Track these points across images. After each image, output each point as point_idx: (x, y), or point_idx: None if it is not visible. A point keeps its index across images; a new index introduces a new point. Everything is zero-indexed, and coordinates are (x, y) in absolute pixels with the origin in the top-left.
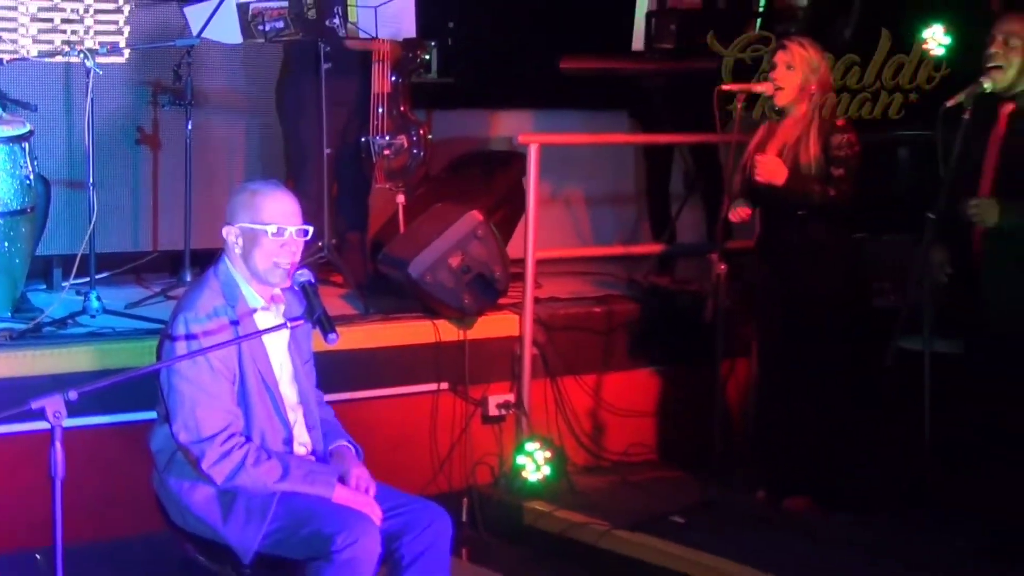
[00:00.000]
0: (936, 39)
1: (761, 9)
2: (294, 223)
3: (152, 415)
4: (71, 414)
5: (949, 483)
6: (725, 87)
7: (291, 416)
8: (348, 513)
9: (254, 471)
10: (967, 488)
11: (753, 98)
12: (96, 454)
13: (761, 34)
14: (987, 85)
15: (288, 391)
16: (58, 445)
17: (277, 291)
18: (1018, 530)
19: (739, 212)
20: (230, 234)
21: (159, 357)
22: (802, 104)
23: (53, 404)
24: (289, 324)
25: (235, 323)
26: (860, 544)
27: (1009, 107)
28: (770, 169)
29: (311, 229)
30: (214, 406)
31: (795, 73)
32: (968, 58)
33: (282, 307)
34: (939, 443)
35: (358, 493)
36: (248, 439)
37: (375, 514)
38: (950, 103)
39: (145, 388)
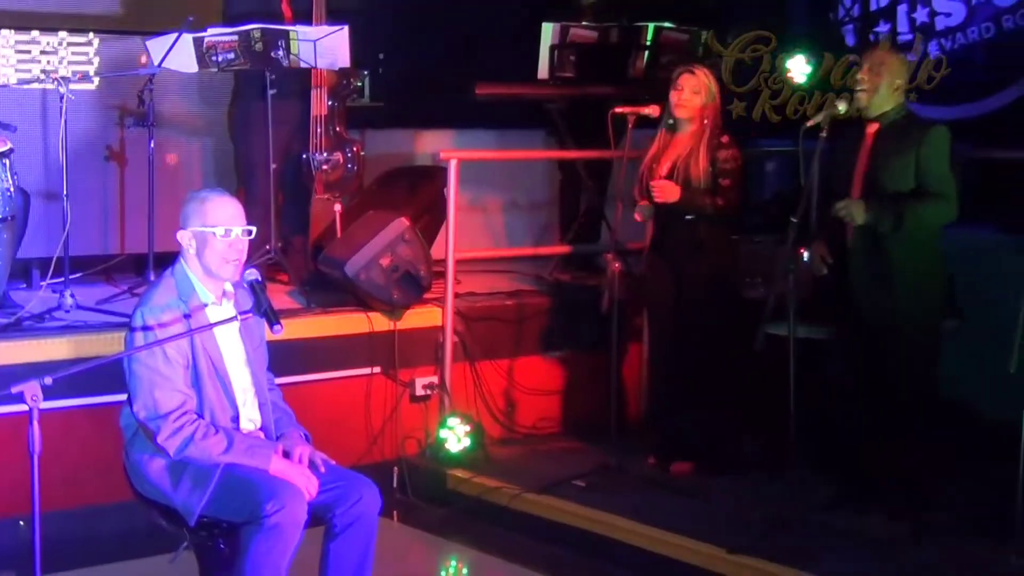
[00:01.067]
0: (799, 68)
1: (648, 43)
2: (239, 224)
3: (119, 397)
4: (47, 397)
5: (810, 447)
6: (618, 109)
7: (240, 396)
8: (279, 484)
9: (202, 444)
10: (825, 450)
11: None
12: (70, 432)
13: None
14: (841, 108)
15: (240, 374)
16: (35, 425)
17: (228, 287)
18: (866, 484)
19: (642, 210)
20: (184, 238)
21: (126, 347)
22: (696, 123)
23: (31, 389)
24: (239, 317)
25: (187, 316)
26: (734, 500)
27: (874, 127)
28: (665, 191)
29: (254, 229)
30: (168, 388)
31: (699, 96)
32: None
33: (231, 302)
34: (802, 412)
35: (295, 465)
36: (199, 416)
37: (311, 485)
38: (809, 124)
39: (113, 373)
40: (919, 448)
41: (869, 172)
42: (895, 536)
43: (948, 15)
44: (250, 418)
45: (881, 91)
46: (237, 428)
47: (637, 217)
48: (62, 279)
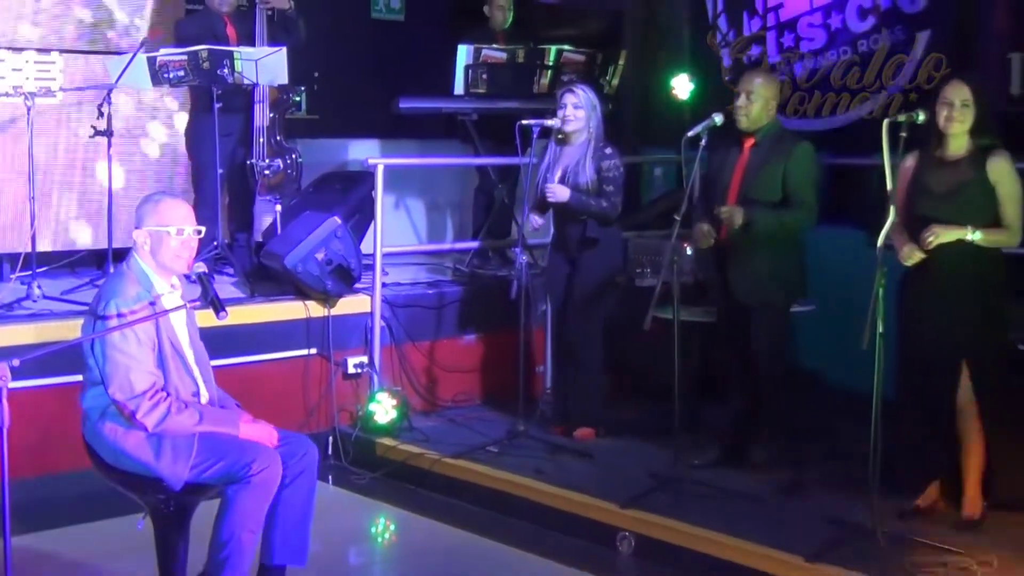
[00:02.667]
0: (682, 86)
1: (551, 63)
2: (191, 224)
3: (79, 377)
4: (15, 377)
5: (692, 414)
6: (524, 121)
7: (195, 373)
8: (257, 446)
9: (178, 417)
10: (705, 416)
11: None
12: (36, 408)
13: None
14: (718, 120)
15: (189, 355)
16: (4, 402)
17: (175, 280)
18: (737, 445)
19: (532, 223)
20: (139, 236)
21: (83, 334)
22: (583, 135)
23: (0, 370)
24: (188, 304)
25: (152, 304)
26: (627, 461)
27: (751, 140)
28: (556, 192)
29: (203, 229)
30: (141, 370)
31: (581, 111)
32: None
33: (179, 292)
34: (686, 384)
35: (258, 425)
36: (168, 394)
37: (273, 437)
38: (690, 134)
39: (74, 356)
40: (786, 413)
41: (744, 179)
42: (766, 491)
43: (811, 40)
44: (200, 393)
45: (756, 112)
46: (198, 402)
47: (530, 227)
48: (29, 272)
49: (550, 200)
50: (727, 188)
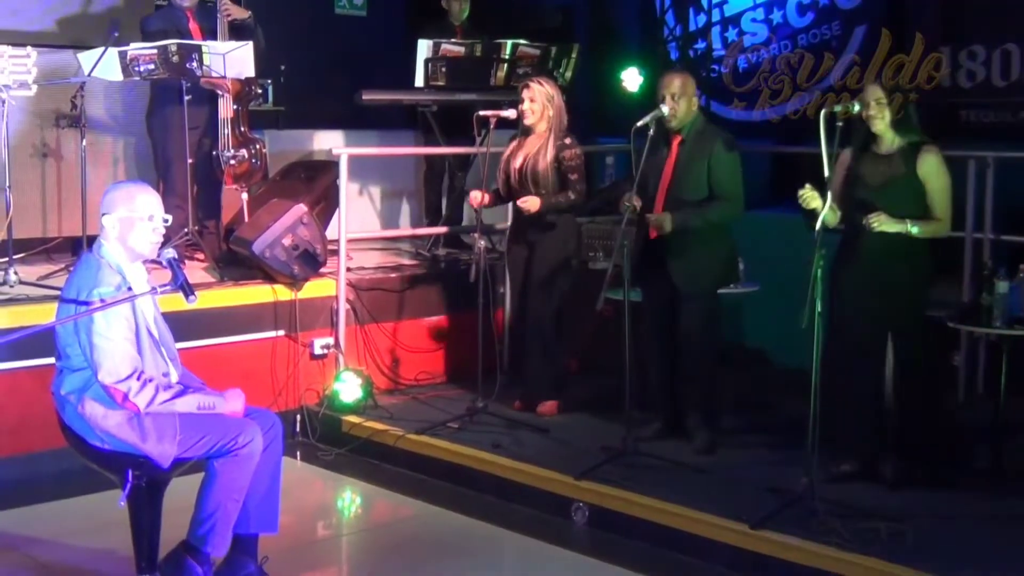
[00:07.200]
0: (632, 78)
1: (507, 56)
2: (161, 212)
3: (53, 359)
4: None
5: (643, 389)
6: (481, 112)
7: (164, 354)
8: (240, 420)
9: (164, 394)
10: (655, 392)
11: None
12: (13, 389)
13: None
14: (664, 110)
15: (157, 335)
16: None
17: (140, 265)
18: (676, 418)
19: (474, 197)
20: (109, 222)
21: (78, 324)
22: (543, 124)
23: None
24: (159, 289)
25: (129, 289)
26: (581, 435)
27: (679, 138)
28: (529, 205)
29: (170, 218)
30: (128, 354)
31: (536, 104)
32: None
33: (146, 277)
34: (635, 361)
35: (233, 398)
36: (151, 377)
37: (243, 402)
38: (639, 124)
39: (50, 340)
40: (715, 386)
41: (674, 178)
42: (706, 461)
43: (754, 35)
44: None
45: (684, 110)
46: (169, 384)
47: (472, 203)
48: (6, 259)
49: (525, 215)
50: (657, 187)
